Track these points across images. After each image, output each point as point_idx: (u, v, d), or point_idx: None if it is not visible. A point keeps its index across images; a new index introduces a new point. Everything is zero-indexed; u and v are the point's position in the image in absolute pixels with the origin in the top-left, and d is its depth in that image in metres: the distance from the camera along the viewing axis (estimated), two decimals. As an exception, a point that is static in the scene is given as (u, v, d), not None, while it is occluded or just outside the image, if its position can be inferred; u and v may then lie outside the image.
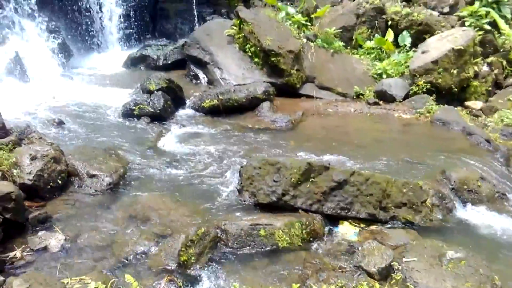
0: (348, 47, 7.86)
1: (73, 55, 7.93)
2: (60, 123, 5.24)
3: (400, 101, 6.58)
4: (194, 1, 9.60)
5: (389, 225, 3.63)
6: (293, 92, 6.99)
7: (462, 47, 6.39)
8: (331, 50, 7.52)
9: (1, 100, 4.73)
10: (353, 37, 7.90)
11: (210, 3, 10.09)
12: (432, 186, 3.99)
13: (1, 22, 6.82)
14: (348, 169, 3.80)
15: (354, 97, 7.02)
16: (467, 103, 6.60)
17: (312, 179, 3.61)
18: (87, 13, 8.57)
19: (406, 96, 6.65)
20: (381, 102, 6.63)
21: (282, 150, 4.96)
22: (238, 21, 7.40)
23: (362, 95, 6.95)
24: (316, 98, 6.94)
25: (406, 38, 7.62)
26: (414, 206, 3.71)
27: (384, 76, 7.14)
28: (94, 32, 8.71)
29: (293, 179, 3.60)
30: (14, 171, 3.52)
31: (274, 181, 3.64)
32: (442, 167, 4.44)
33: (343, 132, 5.66)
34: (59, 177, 3.71)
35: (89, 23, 8.62)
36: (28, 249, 3.03)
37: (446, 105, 6.27)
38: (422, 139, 5.49)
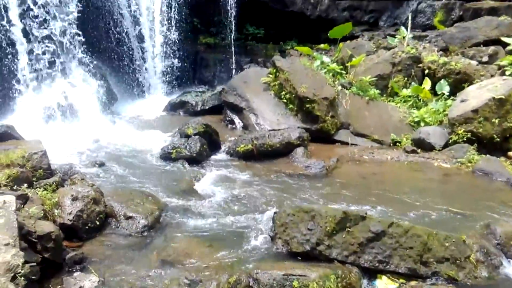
0: (384, 95, 7.84)
1: (117, 100, 8.38)
2: (102, 165, 5.46)
3: (439, 150, 6.40)
4: (233, 51, 10.06)
5: (430, 281, 3.41)
6: (327, 138, 6.98)
7: (503, 97, 6.23)
8: (367, 98, 7.53)
9: (48, 141, 4.99)
10: (389, 85, 7.90)
11: (248, 53, 10.53)
12: (476, 240, 3.76)
13: (50, 67, 7.37)
14: (386, 219, 3.66)
15: (391, 144, 6.90)
16: (510, 153, 6.32)
17: (348, 229, 3.51)
18: (132, 61, 9.16)
19: (446, 145, 6.46)
20: (419, 150, 6.46)
21: (316, 197, 4.89)
22: (274, 70, 7.62)
23: (399, 142, 6.83)
24: (351, 144, 6.89)
25: (444, 87, 7.53)
26: (457, 261, 3.49)
27: (422, 124, 7.02)
28: (138, 78, 9.24)
29: (328, 228, 3.51)
30: (56, 211, 3.66)
31: (309, 229, 3.57)
32: (486, 220, 4.20)
33: (379, 180, 5.52)
34: (97, 218, 3.81)
35: (133, 70, 9.18)
36: (63, 289, 3.07)
37: (488, 155, 6.03)
38: (464, 190, 5.26)
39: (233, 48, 10.13)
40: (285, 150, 6.22)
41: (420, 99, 7.61)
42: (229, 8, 9.73)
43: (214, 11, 9.92)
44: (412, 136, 6.79)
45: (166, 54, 9.58)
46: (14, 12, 6.93)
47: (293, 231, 3.62)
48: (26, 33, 7.07)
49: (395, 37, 9.13)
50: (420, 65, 7.96)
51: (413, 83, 7.84)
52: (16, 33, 6.96)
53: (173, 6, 9.47)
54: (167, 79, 9.66)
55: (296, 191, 5.08)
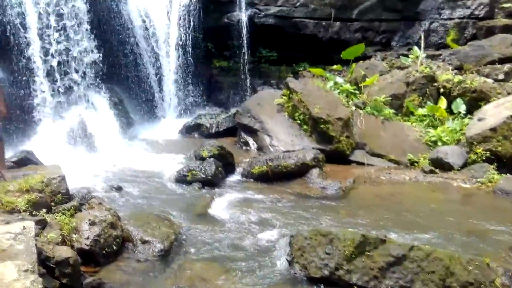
0: (399, 115, 7.78)
1: (134, 124, 8.52)
2: (119, 189, 5.51)
3: (458, 170, 6.27)
4: (246, 74, 10.19)
5: (454, 307, 3.29)
6: (343, 159, 6.92)
7: (521, 114, 6.13)
8: (381, 117, 7.49)
9: (66, 166, 5.06)
10: (404, 105, 7.85)
11: (261, 75, 10.62)
12: (500, 263, 3.63)
13: (70, 93, 7.57)
14: (406, 242, 3.58)
15: (408, 164, 6.81)
16: (532, 172, 6.16)
17: (368, 253, 3.43)
18: (148, 85, 9.35)
19: (464, 165, 6.33)
20: (437, 170, 6.35)
21: (333, 219, 4.82)
22: (287, 91, 7.67)
23: (417, 162, 6.73)
24: (368, 165, 6.81)
25: (460, 105, 7.46)
26: (481, 286, 3.36)
27: (439, 143, 6.92)
28: (154, 102, 9.42)
29: (346, 252, 3.44)
30: (74, 236, 3.67)
31: (327, 253, 3.50)
32: (509, 242, 4.07)
33: (398, 202, 5.42)
34: (114, 243, 3.81)
35: (149, 94, 9.37)
36: (81, 316, 3.05)
37: (508, 174, 5.88)
38: (485, 211, 5.12)
39: (246, 71, 10.26)
40: (300, 172, 6.19)
41: (436, 118, 7.54)
42: (242, 33, 9.92)
43: (228, 36, 10.08)
44: (430, 155, 6.70)
45: (181, 78, 9.76)
46: (36, 42, 7.22)
47: (311, 255, 3.56)
48: (46, 60, 7.31)
49: (408, 57, 9.12)
50: (435, 84, 7.91)
51: (428, 102, 7.78)
52: (37, 60, 7.21)
53: (188, 32, 9.73)
54: (182, 102, 9.81)
55: (312, 213, 5.02)
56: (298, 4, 10.12)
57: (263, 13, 10.11)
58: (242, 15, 9.88)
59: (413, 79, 7.91)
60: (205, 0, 9.80)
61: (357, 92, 8.14)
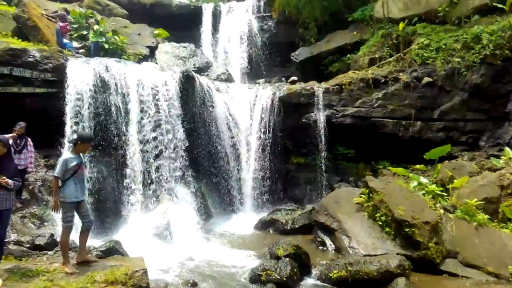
0: (495, 221, 7.05)
1: (212, 217, 8.73)
2: (194, 285, 5.50)
3: None
4: (323, 171, 10.18)
5: None
6: (432, 268, 6.27)
7: None
8: (474, 223, 6.82)
9: (148, 257, 5.22)
10: (499, 210, 7.14)
11: (338, 172, 10.53)
12: None
13: (159, 190, 8.11)
14: None
15: (510, 279, 5.94)
16: None
17: None
18: (228, 180, 9.73)
19: None
20: (548, 289, 5.45)
21: None
22: (367, 190, 7.43)
23: (521, 277, 5.86)
24: (462, 277, 6.07)
25: None
26: None
27: (547, 256, 6.03)
28: (232, 196, 9.71)
29: None
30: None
31: None
32: None
33: (503, 326, 4.64)
34: None
35: (229, 188, 9.70)
36: None
37: None
38: None
39: (323, 168, 10.26)
40: (383, 280, 5.70)
41: (540, 227, 6.68)
42: (319, 132, 10.18)
43: (305, 134, 10.39)
44: (536, 270, 5.82)
45: (260, 173, 10.08)
46: (135, 145, 8.10)
47: None
48: (142, 160, 8.10)
49: (499, 158, 8.51)
50: (534, 188, 7.17)
51: (528, 208, 7.00)
52: (134, 158, 8.01)
53: (268, 131, 10.27)
54: (259, 196, 9.99)
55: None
56: (376, 105, 10.23)
57: (340, 114, 10.32)
58: (320, 115, 10.21)
59: (508, 182, 7.28)
60: (286, 103, 10.38)
61: (444, 194, 7.62)
